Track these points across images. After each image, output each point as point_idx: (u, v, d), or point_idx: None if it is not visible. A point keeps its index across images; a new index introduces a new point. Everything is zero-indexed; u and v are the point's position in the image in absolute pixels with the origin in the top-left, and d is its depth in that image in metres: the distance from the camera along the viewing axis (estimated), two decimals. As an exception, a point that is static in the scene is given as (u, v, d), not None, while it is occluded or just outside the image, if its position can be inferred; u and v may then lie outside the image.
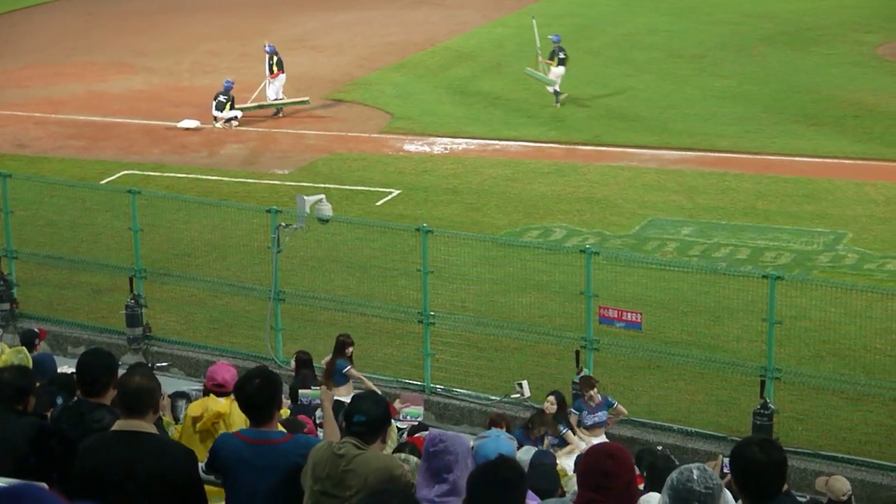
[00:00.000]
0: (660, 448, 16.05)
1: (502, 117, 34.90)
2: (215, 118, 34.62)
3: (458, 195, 28.38)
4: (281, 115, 36.02)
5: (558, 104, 35.64)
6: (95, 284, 23.52)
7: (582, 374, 17.89)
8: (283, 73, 36.20)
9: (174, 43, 45.90)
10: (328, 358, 18.44)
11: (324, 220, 20.68)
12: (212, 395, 12.01)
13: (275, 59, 36.07)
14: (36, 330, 17.00)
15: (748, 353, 19.04)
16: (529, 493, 8.37)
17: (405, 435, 14.42)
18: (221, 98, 34.56)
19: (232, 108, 34.59)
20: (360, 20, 49.29)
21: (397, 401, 16.58)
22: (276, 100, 36.11)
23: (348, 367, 18.28)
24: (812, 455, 17.21)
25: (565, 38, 36.49)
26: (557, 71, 35.92)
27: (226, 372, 12.36)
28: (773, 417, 17.13)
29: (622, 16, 47.55)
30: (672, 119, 34.13)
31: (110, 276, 23.08)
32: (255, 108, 35.73)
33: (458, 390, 19.38)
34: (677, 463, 12.97)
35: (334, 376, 18.09)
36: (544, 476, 9.59)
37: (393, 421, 13.52)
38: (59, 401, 10.72)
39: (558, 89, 35.76)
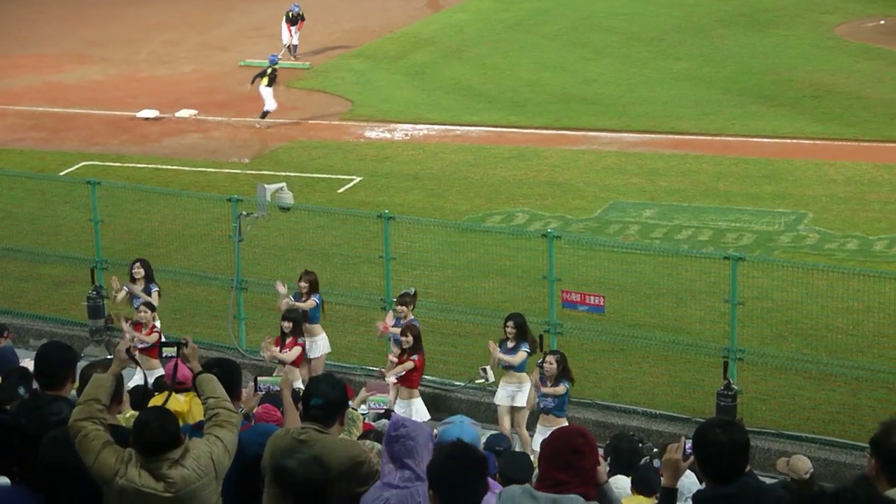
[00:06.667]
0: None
1: (463, 103, 34.85)
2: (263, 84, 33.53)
3: (420, 181, 28.35)
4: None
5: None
6: (56, 276, 23.37)
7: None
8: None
9: (130, 33, 45.51)
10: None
11: (285, 209, 20.60)
12: (173, 392, 11.90)
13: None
14: (6, 325, 16.78)
15: (711, 335, 19.07)
16: (493, 482, 8.35)
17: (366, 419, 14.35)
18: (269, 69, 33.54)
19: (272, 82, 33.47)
20: (317, 7, 48.90)
21: (363, 389, 16.55)
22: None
23: None
24: (776, 435, 17.27)
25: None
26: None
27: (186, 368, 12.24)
28: (736, 398, 17.19)
29: (580, -1, 47.53)
30: (632, 102, 34.18)
31: (71, 268, 22.92)
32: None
33: (423, 376, 19.32)
34: (640, 445, 13.01)
35: None
36: (517, 464, 9.51)
37: (358, 409, 13.51)
38: (21, 391, 10.57)
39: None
